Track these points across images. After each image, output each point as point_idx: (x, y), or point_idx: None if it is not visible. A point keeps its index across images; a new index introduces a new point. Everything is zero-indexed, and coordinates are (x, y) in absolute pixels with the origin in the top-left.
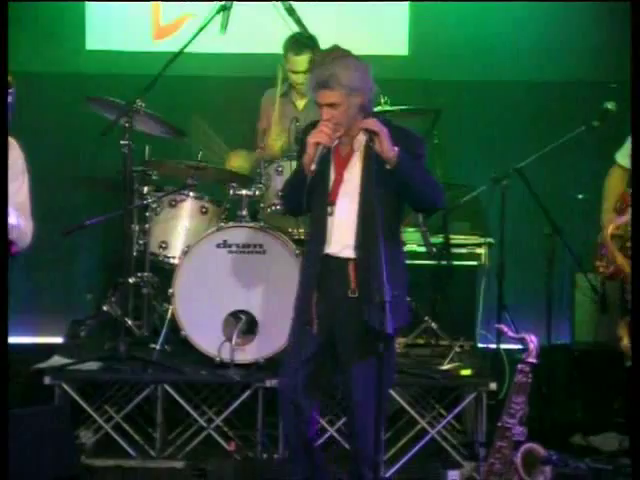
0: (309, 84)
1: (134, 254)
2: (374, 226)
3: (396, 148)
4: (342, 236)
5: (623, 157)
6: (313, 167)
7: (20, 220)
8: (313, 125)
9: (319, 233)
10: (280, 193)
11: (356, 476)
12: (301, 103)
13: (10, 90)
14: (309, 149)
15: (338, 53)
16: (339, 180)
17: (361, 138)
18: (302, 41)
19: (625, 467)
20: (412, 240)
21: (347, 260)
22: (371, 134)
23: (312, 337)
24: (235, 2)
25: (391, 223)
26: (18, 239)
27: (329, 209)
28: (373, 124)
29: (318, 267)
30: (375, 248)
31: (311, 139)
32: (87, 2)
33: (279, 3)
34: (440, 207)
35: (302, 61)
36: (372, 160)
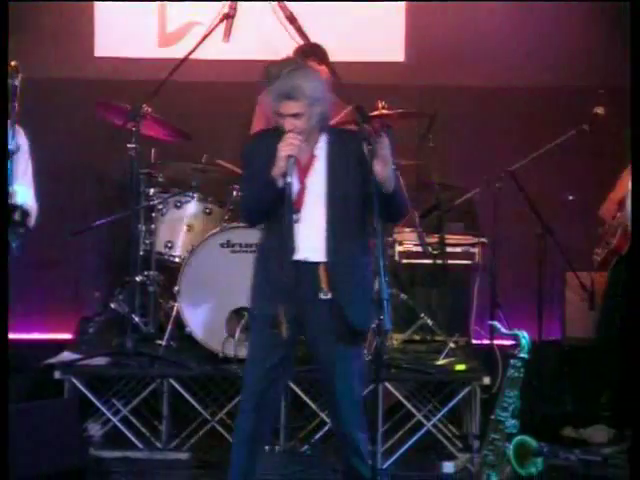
0: (271, 96)
1: (141, 253)
2: (344, 229)
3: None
4: (311, 242)
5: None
6: (289, 180)
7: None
8: (259, 137)
9: (286, 241)
10: (243, 207)
11: (348, 468)
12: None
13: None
14: (281, 162)
15: (295, 64)
16: (303, 188)
17: (322, 145)
18: (318, 50)
19: (613, 458)
20: (408, 240)
21: (317, 264)
22: (370, 140)
23: (281, 342)
24: (238, 11)
25: (359, 225)
26: (30, 220)
27: (295, 217)
28: (385, 152)
29: (290, 275)
30: (347, 250)
31: (283, 152)
32: (96, 12)
33: (280, 12)
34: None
35: (327, 66)
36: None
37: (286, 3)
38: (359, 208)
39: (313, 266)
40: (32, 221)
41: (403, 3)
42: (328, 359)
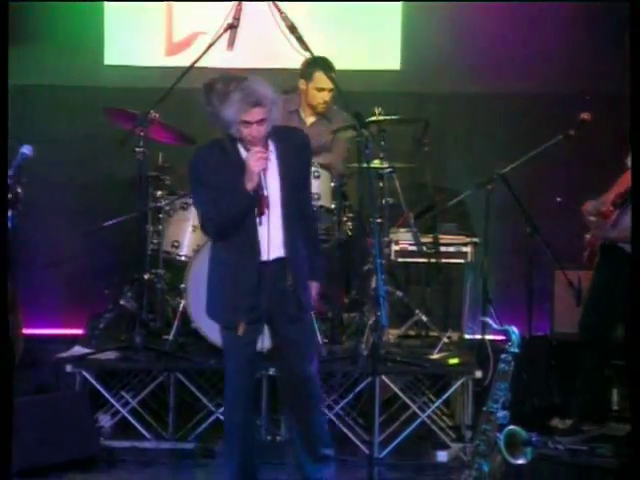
0: (232, 107)
1: (148, 252)
2: (294, 226)
3: None
4: (273, 241)
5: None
6: (265, 192)
7: None
8: (201, 153)
9: (251, 243)
10: (215, 223)
11: (312, 456)
12: (310, 120)
13: None
14: (254, 177)
15: (238, 74)
16: (263, 193)
17: (272, 148)
18: (329, 61)
19: (599, 447)
20: (404, 240)
21: (281, 260)
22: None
23: (257, 335)
24: (241, 22)
25: (301, 220)
26: None
27: (258, 220)
28: None
29: (255, 275)
30: (298, 245)
31: (256, 168)
32: (106, 22)
33: (282, 22)
34: None
35: (330, 79)
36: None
37: (287, 14)
38: (300, 204)
39: (278, 263)
40: None
41: (399, 14)
42: (293, 339)
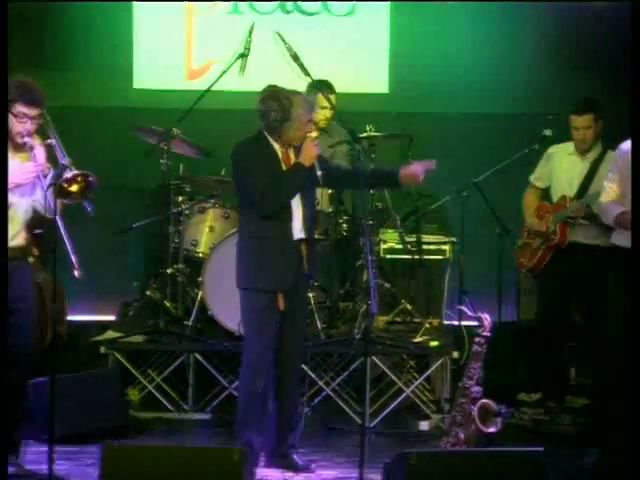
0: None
1: (171, 250)
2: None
3: None
4: (300, 223)
5: (536, 179)
6: (318, 173)
7: None
8: (245, 146)
9: (288, 223)
10: (275, 200)
11: (288, 426)
12: (313, 134)
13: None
14: (312, 158)
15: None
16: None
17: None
18: (330, 84)
19: (559, 417)
20: (391, 239)
21: (302, 240)
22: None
23: (277, 312)
24: (251, 51)
25: None
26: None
27: (295, 203)
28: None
29: (295, 251)
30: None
31: (314, 152)
32: (135, 52)
33: (286, 52)
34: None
35: (328, 100)
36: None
37: (290, 45)
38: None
39: (300, 243)
40: None
41: (387, 44)
42: (300, 322)
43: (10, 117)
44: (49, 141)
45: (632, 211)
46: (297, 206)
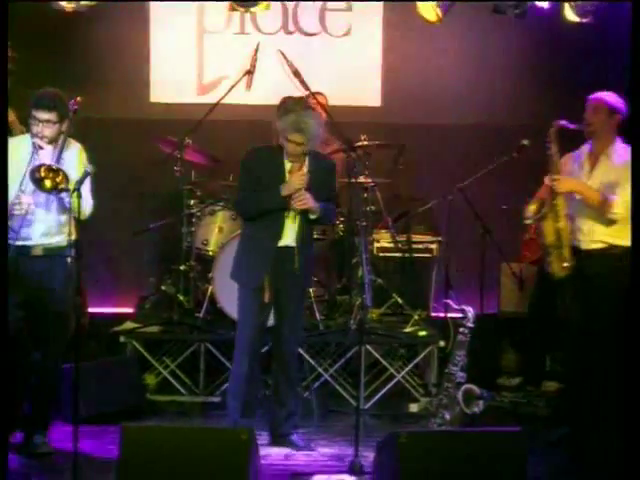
0: (284, 124)
1: (184, 249)
2: (307, 225)
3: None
4: (290, 232)
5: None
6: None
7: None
8: (256, 152)
9: (276, 230)
10: (245, 208)
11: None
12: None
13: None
14: (292, 190)
15: (304, 104)
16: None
17: (306, 165)
18: (321, 93)
19: (535, 400)
20: (384, 239)
21: (292, 248)
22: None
23: (264, 304)
24: (257, 68)
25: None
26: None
27: (286, 214)
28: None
29: (273, 253)
30: (308, 239)
31: (298, 185)
32: (151, 69)
33: (288, 67)
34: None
35: (321, 106)
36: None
37: (292, 62)
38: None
39: (290, 250)
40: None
41: (379, 62)
42: (293, 312)
43: (30, 120)
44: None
45: (632, 211)
46: (294, 218)
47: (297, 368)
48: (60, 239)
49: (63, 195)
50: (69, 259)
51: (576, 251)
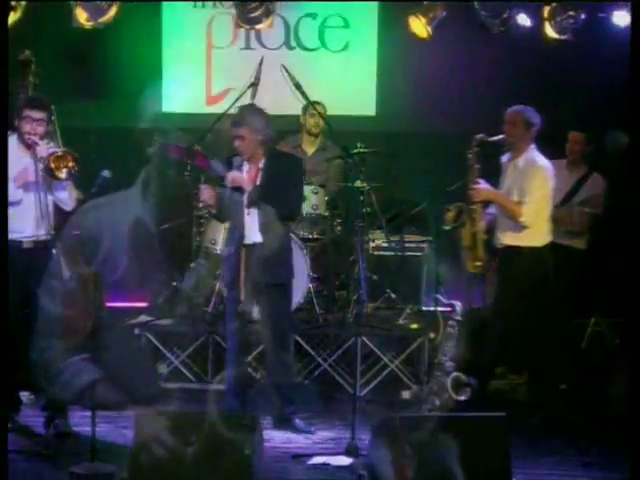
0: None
1: (194, 247)
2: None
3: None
4: (254, 229)
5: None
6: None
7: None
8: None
9: (240, 230)
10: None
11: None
12: (310, 151)
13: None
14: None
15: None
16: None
17: (262, 163)
18: (320, 102)
19: (518, 385)
20: (379, 238)
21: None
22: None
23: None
24: (261, 81)
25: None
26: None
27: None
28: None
29: (242, 254)
30: (272, 232)
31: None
32: (164, 81)
33: (289, 80)
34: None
35: (319, 113)
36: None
37: (293, 75)
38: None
39: (258, 245)
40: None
41: (374, 75)
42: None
43: (20, 121)
44: (51, 148)
45: (632, 210)
46: (252, 213)
47: (287, 351)
48: (46, 232)
49: (58, 193)
50: (54, 250)
51: (495, 250)
